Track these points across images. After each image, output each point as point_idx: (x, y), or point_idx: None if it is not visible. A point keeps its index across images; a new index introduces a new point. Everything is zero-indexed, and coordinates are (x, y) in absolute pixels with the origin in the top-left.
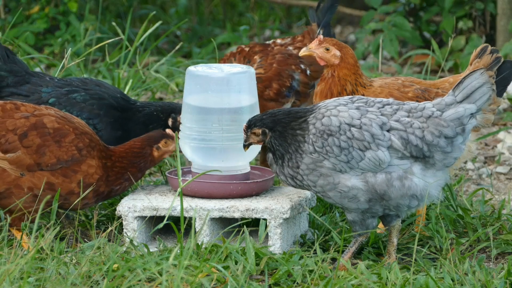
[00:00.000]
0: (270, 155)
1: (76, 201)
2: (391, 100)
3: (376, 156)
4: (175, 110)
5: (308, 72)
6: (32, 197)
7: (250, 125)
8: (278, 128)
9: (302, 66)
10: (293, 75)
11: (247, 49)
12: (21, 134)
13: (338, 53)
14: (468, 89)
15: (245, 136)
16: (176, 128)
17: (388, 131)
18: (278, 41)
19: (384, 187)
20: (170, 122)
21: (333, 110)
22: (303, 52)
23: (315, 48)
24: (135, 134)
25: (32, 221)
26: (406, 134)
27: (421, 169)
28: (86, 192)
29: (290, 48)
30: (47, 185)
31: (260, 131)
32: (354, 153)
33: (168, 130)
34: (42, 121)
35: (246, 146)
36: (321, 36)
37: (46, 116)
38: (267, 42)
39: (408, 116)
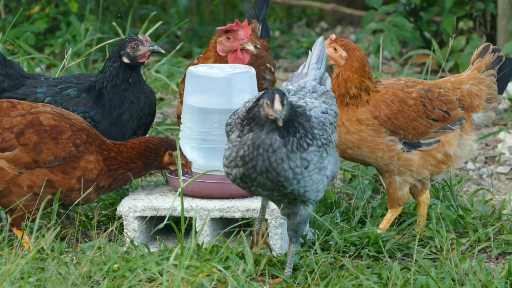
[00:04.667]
0: (276, 137)
1: (77, 198)
2: (295, 87)
3: (335, 137)
4: None
5: (272, 69)
6: (32, 195)
7: (285, 95)
8: (297, 109)
9: (268, 64)
10: (264, 76)
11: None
12: (18, 132)
13: (344, 54)
14: (324, 59)
15: (280, 108)
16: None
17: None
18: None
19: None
20: None
21: (308, 104)
22: None
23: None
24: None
25: (33, 220)
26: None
27: None
28: (88, 191)
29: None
30: (46, 182)
31: (288, 103)
32: (334, 136)
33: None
34: (39, 118)
35: (281, 119)
36: (333, 35)
37: (43, 113)
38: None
39: (317, 97)
